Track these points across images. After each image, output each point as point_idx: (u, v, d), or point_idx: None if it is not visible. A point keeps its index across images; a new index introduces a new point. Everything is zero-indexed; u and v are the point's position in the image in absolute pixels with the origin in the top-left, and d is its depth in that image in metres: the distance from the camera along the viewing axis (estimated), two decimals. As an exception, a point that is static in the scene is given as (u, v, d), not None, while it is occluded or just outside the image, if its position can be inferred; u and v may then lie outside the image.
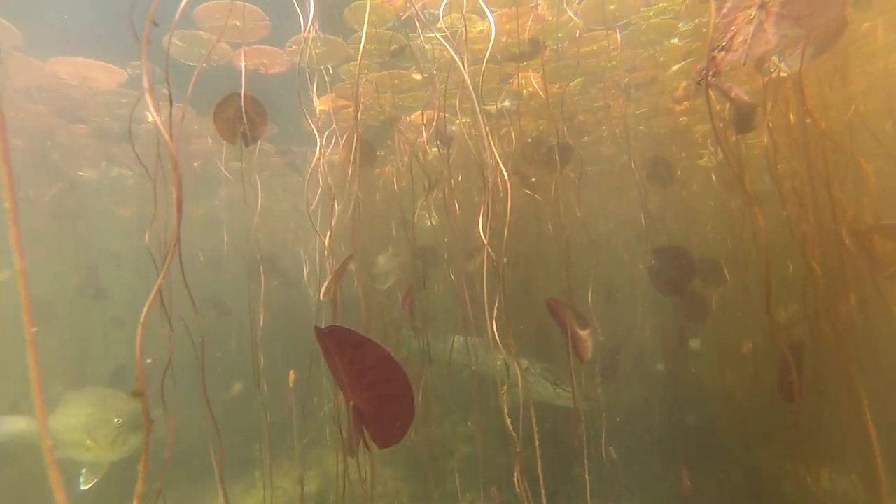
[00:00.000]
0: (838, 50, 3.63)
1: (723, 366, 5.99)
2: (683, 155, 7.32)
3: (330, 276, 3.68)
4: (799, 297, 5.61)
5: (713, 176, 5.44)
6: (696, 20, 4.24)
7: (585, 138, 7.71)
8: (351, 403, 1.55)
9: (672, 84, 5.65)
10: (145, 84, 1.41)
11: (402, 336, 5.39)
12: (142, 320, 1.50)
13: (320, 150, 2.99)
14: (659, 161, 6.21)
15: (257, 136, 2.48)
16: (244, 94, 2.28)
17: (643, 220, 4.88)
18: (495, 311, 2.31)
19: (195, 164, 6.78)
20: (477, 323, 4.47)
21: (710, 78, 1.84)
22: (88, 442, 3.53)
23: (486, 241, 2.31)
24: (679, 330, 5.30)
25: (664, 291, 4.45)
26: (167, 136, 1.58)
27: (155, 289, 1.65)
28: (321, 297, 3.70)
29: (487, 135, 2.83)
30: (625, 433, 5.12)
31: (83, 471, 3.66)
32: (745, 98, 2.99)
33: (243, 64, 2.44)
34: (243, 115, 2.18)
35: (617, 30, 4.21)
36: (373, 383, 1.47)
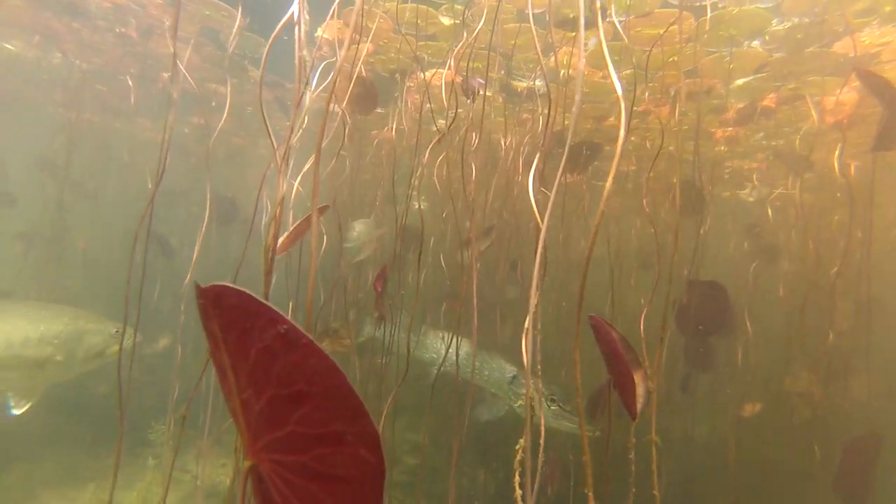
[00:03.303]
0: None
1: (719, 426, 5.34)
2: (711, 188, 6.67)
3: (291, 227, 2.82)
4: (815, 363, 5.02)
5: (769, 211, 4.74)
6: (797, 19, 3.50)
7: (608, 148, 6.98)
8: (247, 463, 0.71)
9: (729, 100, 4.94)
10: None
11: (359, 320, 4.54)
12: None
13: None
14: (689, 188, 5.52)
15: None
16: None
17: (674, 246, 4.14)
18: (529, 321, 1.50)
19: (165, 74, 5.71)
20: (467, 324, 3.65)
21: None
22: (58, 357, 3.29)
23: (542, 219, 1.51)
24: (683, 378, 4.58)
25: (692, 332, 3.72)
26: None
27: None
28: (276, 252, 2.83)
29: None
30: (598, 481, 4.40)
31: (9, 395, 3.34)
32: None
33: None
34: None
35: (708, 7, 3.42)
36: (307, 439, 0.63)
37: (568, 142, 1.55)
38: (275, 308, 0.64)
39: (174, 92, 1.87)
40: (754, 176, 5.84)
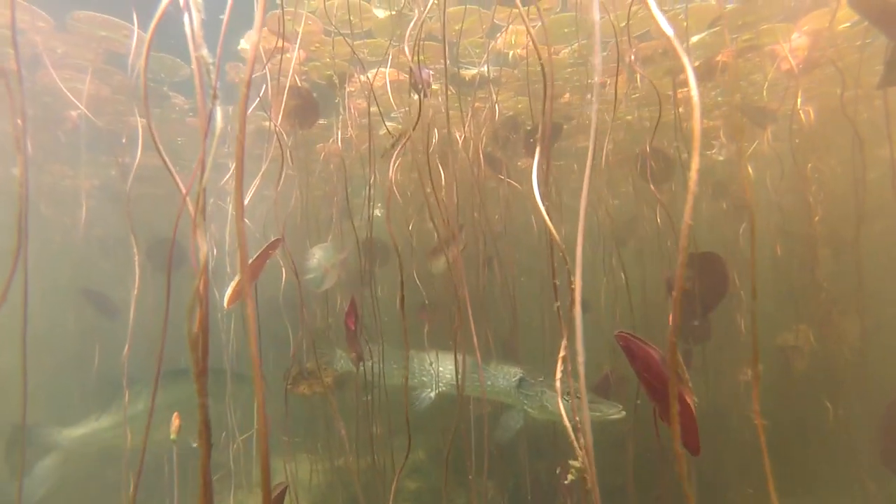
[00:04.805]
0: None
1: (716, 392, 5.21)
2: (673, 151, 6.56)
3: (237, 277, 2.39)
4: (807, 317, 4.94)
5: (749, 169, 4.59)
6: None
7: (566, 126, 6.76)
8: None
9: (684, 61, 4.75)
10: None
11: (329, 353, 4.12)
12: None
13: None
14: (656, 154, 5.35)
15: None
16: None
17: (658, 222, 3.96)
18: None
19: (73, 112, 5.07)
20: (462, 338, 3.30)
21: None
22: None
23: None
24: (684, 354, 4.40)
25: (689, 309, 3.50)
26: None
27: None
28: (225, 306, 2.41)
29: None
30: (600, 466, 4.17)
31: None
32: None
33: None
34: None
35: (659, -41, 3.16)
36: None
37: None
38: None
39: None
40: (721, 132, 5.75)
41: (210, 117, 0.96)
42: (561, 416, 3.28)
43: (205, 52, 0.96)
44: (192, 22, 0.95)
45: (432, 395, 3.67)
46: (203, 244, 0.92)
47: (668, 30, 0.96)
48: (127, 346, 3.17)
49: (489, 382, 3.66)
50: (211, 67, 0.97)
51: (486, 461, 2.64)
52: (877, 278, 3.98)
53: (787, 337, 5.05)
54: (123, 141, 5.07)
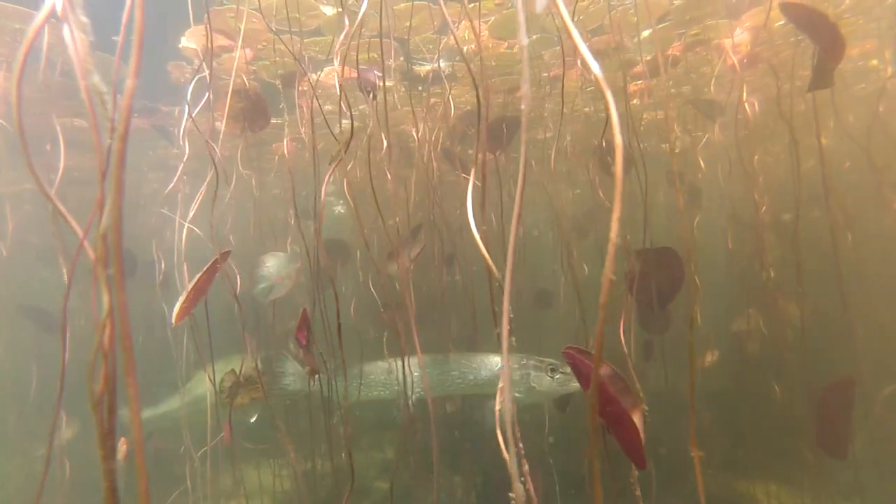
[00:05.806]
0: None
1: (676, 377, 5.37)
2: (633, 144, 6.67)
3: (186, 293, 2.27)
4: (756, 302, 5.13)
5: (700, 162, 4.69)
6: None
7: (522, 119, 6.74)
8: None
9: (637, 55, 4.81)
10: None
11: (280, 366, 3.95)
12: None
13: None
14: (611, 147, 5.40)
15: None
16: None
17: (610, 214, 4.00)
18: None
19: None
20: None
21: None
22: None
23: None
24: (644, 345, 4.49)
25: (646, 303, 3.55)
26: None
27: None
28: (173, 322, 2.31)
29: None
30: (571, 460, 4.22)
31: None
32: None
33: None
34: None
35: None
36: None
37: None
38: None
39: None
40: (675, 125, 5.86)
41: (107, 158, 0.85)
42: (550, 393, 3.31)
43: (96, 79, 0.85)
44: (77, 46, 0.84)
45: (411, 403, 3.62)
46: (106, 301, 0.82)
47: (595, 67, 0.91)
48: (63, 362, 2.94)
49: (472, 377, 3.62)
50: (106, 98, 0.86)
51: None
52: (815, 264, 4.16)
53: (740, 322, 5.24)
54: (48, 148, 4.74)
